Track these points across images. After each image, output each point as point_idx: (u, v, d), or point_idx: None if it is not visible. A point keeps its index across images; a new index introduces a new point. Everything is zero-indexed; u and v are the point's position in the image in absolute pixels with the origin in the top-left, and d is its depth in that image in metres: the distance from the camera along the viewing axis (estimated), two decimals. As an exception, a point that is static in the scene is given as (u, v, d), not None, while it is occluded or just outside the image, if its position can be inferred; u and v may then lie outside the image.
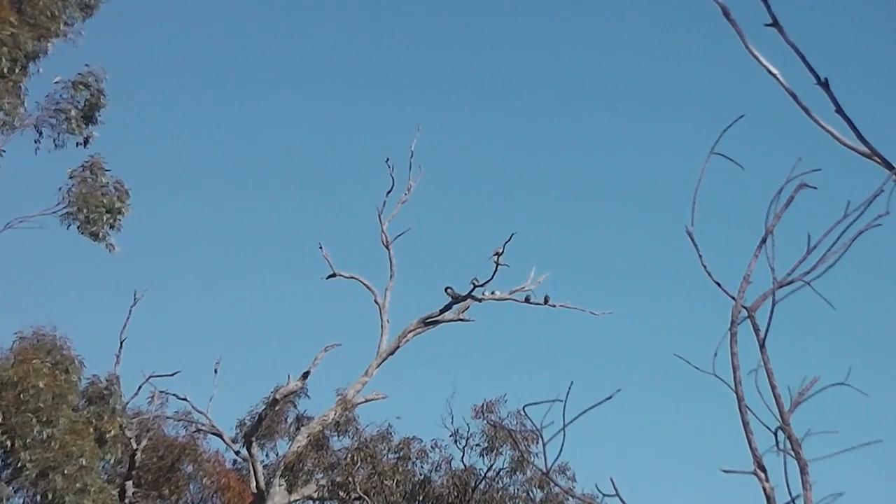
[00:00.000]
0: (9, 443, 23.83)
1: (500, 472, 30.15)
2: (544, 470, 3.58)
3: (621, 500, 3.28)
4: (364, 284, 30.05)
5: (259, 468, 28.31)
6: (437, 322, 29.09)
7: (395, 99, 55.50)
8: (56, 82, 26.29)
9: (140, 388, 30.13)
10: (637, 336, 48.88)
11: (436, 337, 37.23)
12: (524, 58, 56.77)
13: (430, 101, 54.92)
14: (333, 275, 29.99)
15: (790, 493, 2.96)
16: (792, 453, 2.93)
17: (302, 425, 30.91)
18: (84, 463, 24.06)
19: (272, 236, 53.39)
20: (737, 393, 3.02)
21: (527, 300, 29.28)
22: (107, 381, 27.50)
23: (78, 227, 26.00)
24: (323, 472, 29.83)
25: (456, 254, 50.99)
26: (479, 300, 28.94)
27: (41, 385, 24.01)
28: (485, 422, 30.36)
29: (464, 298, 28.86)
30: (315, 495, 29.53)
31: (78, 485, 23.80)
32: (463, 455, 30.38)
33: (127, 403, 28.71)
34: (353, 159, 55.96)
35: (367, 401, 28.94)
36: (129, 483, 29.77)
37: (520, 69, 56.30)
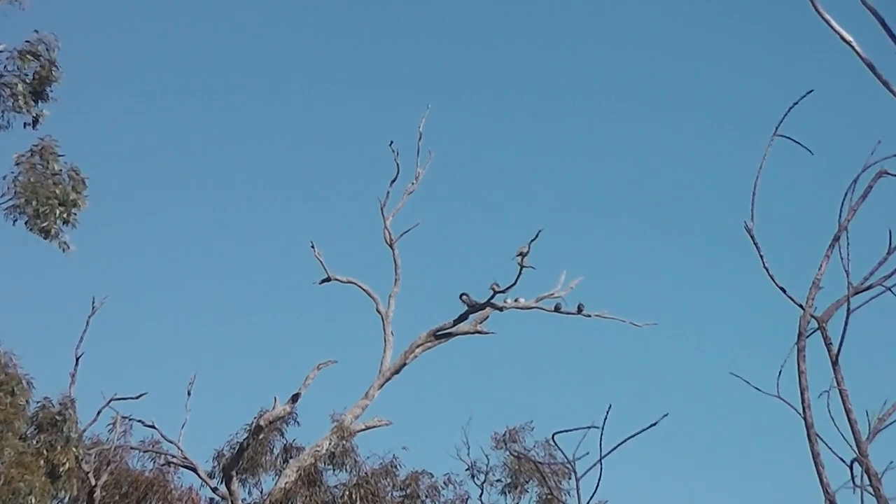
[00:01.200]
0: (-57, 478, 23.83)
1: (526, 513, 29.95)
2: (578, 509, 3.58)
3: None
4: (364, 290, 30.07)
5: (240, 508, 28.28)
6: (450, 335, 29.15)
7: (398, 75, 55.74)
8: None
9: (99, 412, 30.01)
10: (686, 351, 48.88)
11: (449, 353, 37.21)
12: (559, 34, 56.89)
13: (441, 79, 55.14)
14: (328, 279, 30.02)
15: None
16: (871, 489, 2.92)
17: (291, 457, 30.95)
18: (34, 502, 24.02)
19: (255, 234, 53.61)
20: (805, 418, 3.02)
21: (557, 309, 29.31)
22: (60, 404, 27.37)
23: (26, 223, 25.97)
24: (316, 513, 29.79)
25: (473, 254, 51.03)
26: (501, 309, 28.97)
27: (-19, 410, 24.00)
28: (507, 453, 30.56)
29: (482, 307, 28.90)
30: (306, 540, 29.72)
31: (26, 528, 23.79)
32: (481, 493, 30.50)
33: (84, 431, 28.66)
34: (350, 144, 56.14)
35: (367, 428, 28.92)
36: (87, 525, 29.81)
37: (553, 44, 56.43)
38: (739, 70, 57.79)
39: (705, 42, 58.06)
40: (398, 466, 30.44)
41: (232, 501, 28.51)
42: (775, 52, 56.05)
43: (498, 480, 30.32)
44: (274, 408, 28.96)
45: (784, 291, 3.16)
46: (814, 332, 3.25)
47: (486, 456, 30.32)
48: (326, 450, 29.09)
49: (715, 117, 56.74)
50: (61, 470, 25.88)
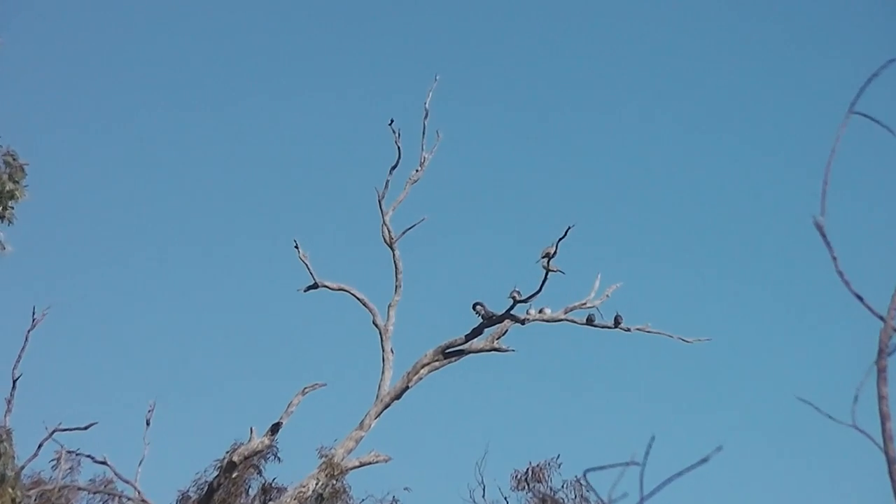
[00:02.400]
0: None
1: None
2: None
3: None
4: (358, 299, 30.16)
5: (210, 560, 28.38)
6: (461, 353, 29.16)
7: (400, 42, 55.71)
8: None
9: (41, 446, 29.99)
10: (744, 372, 48.75)
11: (461, 374, 37.17)
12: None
13: (452, 45, 55.09)
14: (315, 285, 30.14)
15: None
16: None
17: (270, 499, 31.11)
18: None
19: (229, 231, 53.62)
20: (886, 452, 3.00)
21: (590, 321, 29.41)
22: (-6, 436, 27.45)
23: (-47, 219, 25.95)
24: (300, 566, 29.99)
25: (489, 256, 50.98)
26: (522, 321, 28.99)
27: None
28: (530, 494, 30.86)
29: (500, 319, 28.87)
30: None
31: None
32: (499, 542, 30.35)
33: (23, 468, 28.53)
34: (342, 123, 56.06)
35: (362, 465, 28.88)
36: (27, 581, 29.80)
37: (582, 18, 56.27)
38: (793, 54, 57.77)
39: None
40: (400, 510, 30.44)
41: (200, 552, 28.61)
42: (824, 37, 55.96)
43: (519, 527, 30.33)
44: (250, 440, 28.78)
45: (861, 300, 3.13)
46: (897, 349, 3.19)
47: (506, 498, 30.33)
48: (313, 491, 28.85)
49: (772, 97, 56.67)
50: (-4, 514, 25.90)
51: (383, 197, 30.87)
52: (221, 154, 57.19)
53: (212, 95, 56.11)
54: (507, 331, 29.19)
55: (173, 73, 56.59)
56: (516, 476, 31.01)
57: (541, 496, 30.56)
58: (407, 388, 28.92)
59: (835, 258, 3.38)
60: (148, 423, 31.12)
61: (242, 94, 56.34)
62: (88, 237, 53.45)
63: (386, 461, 29.05)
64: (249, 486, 32.87)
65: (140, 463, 30.57)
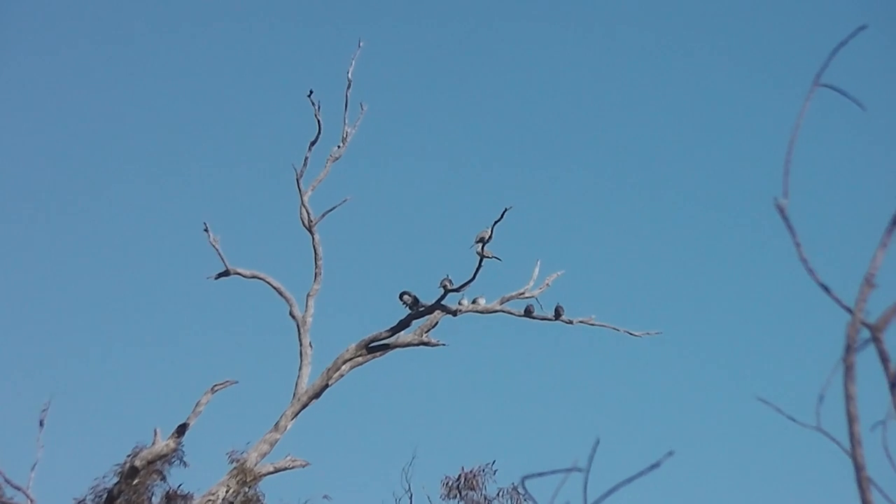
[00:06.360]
0: None
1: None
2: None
3: None
4: (274, 288, 30.13)
5: (108, 574, 28.12)
6: (387, 347, 29.19)
7: (320, 6, 55.37)
8: None
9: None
10: (696, 369, 49.00)
11: (386, 370, 37.04)
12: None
13: (377, 11, 54.81)
14: (226, 272, 30.14)
15: None
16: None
17: (176, 508, 30.54)
18: None
19: (130, 211, 53.11)
20: (854, 458, 2.95)
21: (528, 313, 29.50)
22: None
23: None
24: (209, 582, 29.87)
25: (418, 241, 50.87)
26: (454, 313, 29.10)
27: None
28: (463, 502, 30.90)
29: (429, 310, 28.98)
30: None
31: None
32: (428, 555, 30.33)
33: None
34: (255, 92, 55.67)
35: (277, 470, 28.82)
36: None
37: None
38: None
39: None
40: (318, 521, 30.44)
41: (97, 567, 28.43)
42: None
43: (450, 539, 30.36)
44: (154, 443, 28.69)
45: (827, 290, 3.13)
46: (866, 344, 3.19)
47: (435, 506, 30.30)
48: (223, 499, 28.62)
49: (734, 59, 56.99)
50: None
51: (301, 175, 30.72)
52: (117, 124, 56.59)
53: (107, 58, 55.39)
54: (437, 323, 29.22)
55: (71, 35, 55.81)
56: (447, 483, 31.21)
57: (474, 504, 30.22)
58: (327, 385, 28.86)
59: (798, 244, 3.40)
60: (41, 424, 30.68)
61: (140, 56, 55.69)
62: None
63: (303, 466, 29.01)
64: (153, 494, 32.59)
65: (33, 468, 30.07)
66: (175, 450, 29.76)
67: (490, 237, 27.89)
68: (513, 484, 31.79)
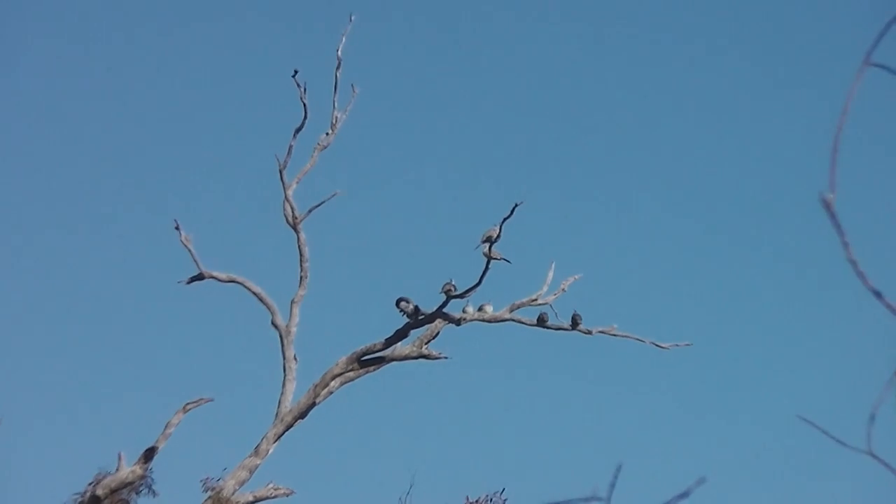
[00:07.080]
0: None
1: None
2: None
3: None
4: (254, 294, 29.88)
5: None
6: (382, 360, 28.89)
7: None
8: None
9: None
10: (731, 385, 47.77)
11: (381, 387, 35.74)
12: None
13: None
14: (200, 276, 29.77)
15: None
16: None
17: (144, 541, 30.72)
18: None
19: (96, 208, 51.64)
20: None
21: (541, 322, 29.16)
22: None
23: None
24: None
25: (416, 241, 49.74)
26: (458, 322, 28.79)
27: None
28: (468, 537, 30.20)
29: (430, 319, 28.60)
30: None
31: None
32: None
33: None
34: (233, 74, 54.61)
35: (257, 500, 28.38)
36: None
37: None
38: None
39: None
40: (305, 555, 29.47)
41: None
42: None
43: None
44: (118, 469, 28.24)
45: (879, 296, 3.52)
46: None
47: (437, 539, 29.32)
48: (197, 532, 28.65)
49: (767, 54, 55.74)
50: None
51: (285, 166, 30.34)
52: (78, 108, 55.18)
53: (73, 34, 54.02)
54: (438, 333, 28.86)
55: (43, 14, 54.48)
56: (452, 511, 30.30)
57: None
58: (314, 404, 28.59)
59: (846, 244, 3.54)
60: (-6, 447, 29.89)
61: (105, 31, 54.27)
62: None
63: (287, 495, 28.81)
64: (120, 524, 31.42)
65: (-13, 495, 30.94)
66: (142, 476, 29.10)
67: (498, 236, 27.73)
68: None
